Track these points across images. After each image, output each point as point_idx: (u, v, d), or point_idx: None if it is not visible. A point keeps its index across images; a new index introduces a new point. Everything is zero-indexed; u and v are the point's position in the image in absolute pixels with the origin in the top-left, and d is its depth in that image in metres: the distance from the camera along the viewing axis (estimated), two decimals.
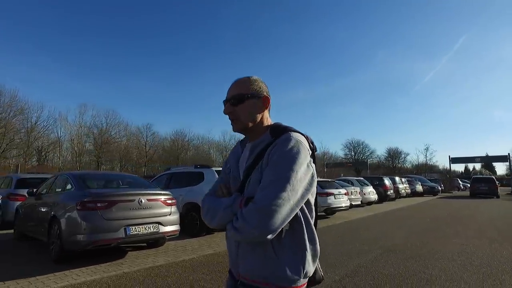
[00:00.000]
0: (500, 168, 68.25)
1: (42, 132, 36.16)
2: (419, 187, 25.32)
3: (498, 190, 24.17)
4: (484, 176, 33.36)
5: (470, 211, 13.95)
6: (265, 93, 1.25)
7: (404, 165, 54.91)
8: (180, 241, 6.65)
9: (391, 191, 19.53)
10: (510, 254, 5.60)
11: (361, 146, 62.40)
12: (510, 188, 33.20)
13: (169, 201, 5.48)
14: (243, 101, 1.20)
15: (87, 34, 56.10)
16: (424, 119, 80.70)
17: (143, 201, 5.03)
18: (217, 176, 7.83)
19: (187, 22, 68.57)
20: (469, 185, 29.26)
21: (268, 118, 1.27)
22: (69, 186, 5.31)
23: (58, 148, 38.46)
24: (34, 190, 6.21)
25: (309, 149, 1.14)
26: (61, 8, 52.55)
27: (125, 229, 4.71)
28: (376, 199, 17.15)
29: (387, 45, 76.97)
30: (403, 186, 22.06)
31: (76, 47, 56.28)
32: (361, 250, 6.02)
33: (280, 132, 1.16)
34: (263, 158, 1.12)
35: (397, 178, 21.92)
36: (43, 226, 5.26)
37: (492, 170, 66.36)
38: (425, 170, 49.59)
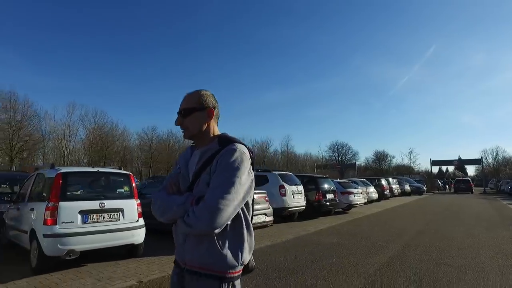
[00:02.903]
0: (470, 170, 74.04)
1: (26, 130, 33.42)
2: (407, 187, 28.21)
3: (473, 188, 34.83)
4: (463, 178, 43.67)
5: (458, 207, 16.68)
6: (210, 105, 1.43)
7: (390, 167, 58.66)
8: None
9: (388, 190, 22.10)
10: (505, 235, 7.96)
11: (345, 148, 65.65)
12: (483, 188, 38.00)
13: (267, 198, 7.38)
14: (191, 113, 1.40)
15: (67, 29, 55.04)
16: (400, 123, 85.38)
17: (255, 198, 6.93)
18: (279, 178, 9.81)
19: (163, 20, 68.44)
20: (446, 185, 40.78)
21: (215, 127, 1.46)
22: None
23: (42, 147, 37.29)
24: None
25: (250, 158, 1.33)
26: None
27: None
28: (376, 198, 19.60)
29: (364, 51, 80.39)
30: (396, 186, 24.76)
31: (51, 42, 54.98)
32: (399, 233, 8.19)
33: (227, 142, 1.34)
34: (211, 163, 1.30)
35: (391, 179, 24.60)
36: None
37: (464, 171, 71.74)
38: (404, 172, 53.21)
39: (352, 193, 13.50)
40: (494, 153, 55.98)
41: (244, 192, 1.25)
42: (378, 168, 56.74)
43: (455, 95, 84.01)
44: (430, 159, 44.49)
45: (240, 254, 1.30)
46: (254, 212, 6.25)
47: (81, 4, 57.31)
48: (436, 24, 78.49)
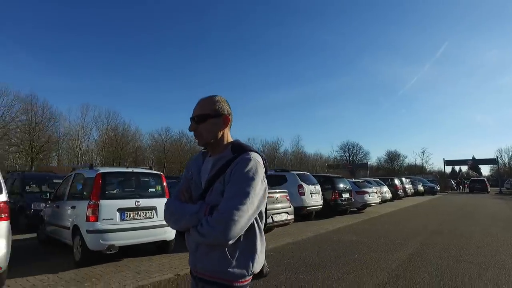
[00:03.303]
0: (485, 170, 72.66)
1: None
2: (420, 187, 28.05)
3: (488, 188, 34.42)
4: (479, 178, 43.54)
5: (473, 207, 16.62)
6: (225, 112, 1.40)
7: (402, 167, 58.20)
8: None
9: (401, 190, 22.08)
10: None
11: (356, 148, 65.33)
12: (498, 188, 37.31)
13: (288, 197, 7.65)
14: (205, 120, 1.37)
15: (79, 31, 55.63)
16: (410, 122, 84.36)
17: (278, 197, 7.21)
18: (298, 178, 10.06)
19: (174, 20, 68.85)
20: (460, 185, 40.27)
21: (228, 135, 1.44)
22: None
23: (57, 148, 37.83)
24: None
25: (264, 166, 1.32)
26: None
27: (272, 217, 6.87)
28: (390, 198, 19.62)
29: (373, 50, 79.50)
30: (409, 186, 24.68)
31: (64, 44, 55.47)
32: (416, 232, 8.34)
33: (241, 150, 1.33)
34: (225, 172, 1.29)
35: (404, 179, 24.54)
36: None
37: (478, 171, 70.45)
38: (416, 172, 52.71)
39: (367, 192, 13.64)
40: (510, 153, 55.09)
41: (258, 202, 1.25)
42: (390, 168, 56.38)
43: (467, 93, 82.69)
44: (444, 159, 44.27)
45: (251, 264, 1.29)
46: (276, 211, 7.20)
47: (91, 4, 58.17)
48: (448, 20, 77.35)
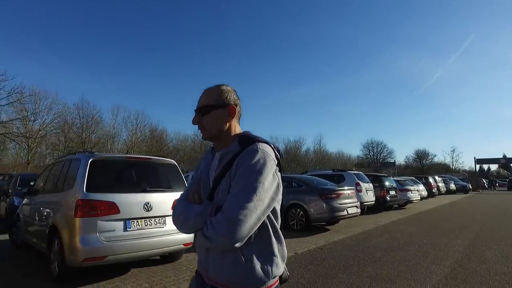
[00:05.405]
0: None
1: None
2: (452, 186, 28.56)
3: None
4: None
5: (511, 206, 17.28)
6: (232, 103, 1.29)
7: (430, 166, 57.94)
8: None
9: (435, 188, 22.83)
10: None
11: (380, 146, 65.27)
12: None
13: (355, 193, 8.95)
14: (209, 111, 1.27)
15: (91, 27, 56.03)
16: (431, 119, 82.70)
17: (349, 193, 8.54)
18: (355, 176, 11.34)
19: (186, 18, 68.96)
20: (492, 184, 40.41)
21: (237, 126, 1.32)
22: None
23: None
24: None
25: (275, 158, 1.19)
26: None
27: (346, 210, 8.21)
28: (426, 195, 20.48)
29: (394, 44, 78.18)
30: (441, 185, 25.36)
31: (78, 41, 55.48)
32: (466, 225, 9.43)
33: (248, 142, 1.20)
34: (231, 168, 1.17)
35: (437, 178, 25.21)
36: None
37: (510, 170, 68.80)
38: (443, 171, 52.33)
39: (409, 190, 14.72)
40: None
41: (269, 198, 1.12)
42: (419, 167, 56.33)
43: (495, 87, 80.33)
44: (474, 157, 44.25)
45: (270, 267, 1.17)
46: (349, 204, 8.90)
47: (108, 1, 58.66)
48: (473, 11, 75.07)
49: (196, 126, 1.32)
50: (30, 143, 28.92)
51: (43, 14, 50.57)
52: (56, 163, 5.73)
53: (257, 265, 1.15)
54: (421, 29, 77.75)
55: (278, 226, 1.23)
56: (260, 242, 1.17)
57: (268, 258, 1.18)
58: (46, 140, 31.57)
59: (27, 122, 28.44)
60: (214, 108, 1.27)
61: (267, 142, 1.22)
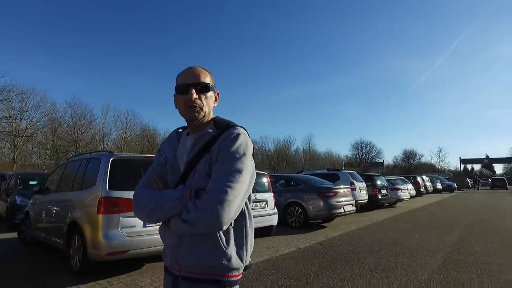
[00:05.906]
0: (498, 168, 73.45)
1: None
2: (439, 185, 29.55)
3: (507, 185, 40.04)
4: (499, 177, 49.86)
5: (495, 203, 18.13)
6: (215, 89, 1.29)
7: (417, 166, 59.41)
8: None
9: (423, 188, 23.62)
10: None
11: (368, 146, 66.41)
12: None
13: (350, 192, 9.37)
14: (208, 91, 1.22)
15: (86, 30, 56.14)
16: (419, 119, 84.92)
17: (346, 191, 8.94)
18: (349, 176, 11.78)
19: (182, 19, 69.40)
20: (475, 184, 42.41)
21: (212, 112, 1.30)
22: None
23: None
24: None
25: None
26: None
27: (343, 207, 8.60)
28: (414, 194, 21.19)
29: (382, 45, 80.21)
30: (429, 184, 26.22)
31: (71, 43, 55.33)
32: (455, 221, 9.97)
33: (226, 126, 1.20)
34: (210, 150, 1.14)
35: (424, 177, 26.05)
36: None
37: (492, 170, 71.20)
38: (429, 170, 53.73)
39: (400, 189, 15.30)
40: None
41: (249, 181, 1.11)
42: (407, 167, 57.76)
43: (479, 89, 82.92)
44: (460, 157, 45.77)
45: (244, 252, 1.17)
46: (346, 202, 9.61)
47: (104, 5, 59.10)
48: (461, 13, 77.50)
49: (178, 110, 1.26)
50: (16, 142, 28.45)
51: (36, 15, 49.98)
52: (69, 163, 5.90)
53: (233, 251, 1.15)
54: (410, 30, 79.63)
55: (251, 210, 1.23)
56: (236, 226, 1.16)
57: (243, 244, 1.18)
58: (33, 138, 31.13)
59: (13, 120, 28.04)
60: (212, 89, 1.25)
61: (243, 127, 1.23)
